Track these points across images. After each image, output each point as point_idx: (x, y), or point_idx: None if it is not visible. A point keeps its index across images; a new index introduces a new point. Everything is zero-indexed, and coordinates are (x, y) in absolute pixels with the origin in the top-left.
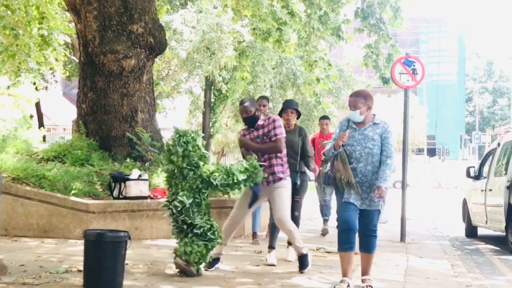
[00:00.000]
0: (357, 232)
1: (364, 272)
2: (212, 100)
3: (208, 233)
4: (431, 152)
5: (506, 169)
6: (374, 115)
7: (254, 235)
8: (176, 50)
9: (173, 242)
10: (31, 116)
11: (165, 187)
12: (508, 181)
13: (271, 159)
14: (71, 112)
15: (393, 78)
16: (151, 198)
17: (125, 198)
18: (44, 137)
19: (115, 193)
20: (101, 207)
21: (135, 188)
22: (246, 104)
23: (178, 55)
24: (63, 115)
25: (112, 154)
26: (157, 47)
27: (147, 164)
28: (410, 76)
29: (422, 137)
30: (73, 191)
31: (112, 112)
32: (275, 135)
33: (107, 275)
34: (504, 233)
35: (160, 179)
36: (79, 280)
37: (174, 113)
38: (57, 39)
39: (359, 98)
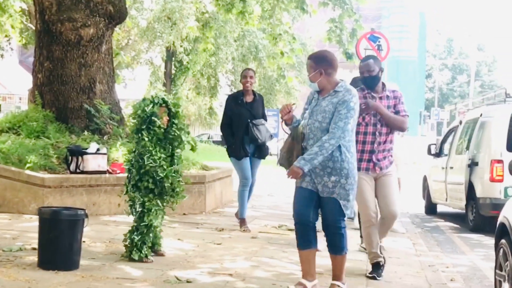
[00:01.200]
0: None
1: (334, 276)
2: (173, 71)
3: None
4: None
5: (467, 147)
6: (341, 80)
7: (243, 221)
8: (136, 19)
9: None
10: None
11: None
12: (469, 159)
13: (390, 139)
14: (27, 81)
15: (358, 54)
16: (109, 172)
17: (83, 172)
18: None
19: (72, 167)
20: (57, 181)
21: (93, 162)
22: (370, 61)
23: (138, 24)
24: (19, 84)
25: (69, 126)
26: (117, 16)
27: (105, 137)
28: (375, 52)
29: None
30: (28, 165)
31: (70, 83)
32: (404, 110)
33: (63, 254)
34: (464, 211)
35: (119, 153)
36: (33, 258)
37: (134, 84)
38: (13, 5)
39: (310, 61)
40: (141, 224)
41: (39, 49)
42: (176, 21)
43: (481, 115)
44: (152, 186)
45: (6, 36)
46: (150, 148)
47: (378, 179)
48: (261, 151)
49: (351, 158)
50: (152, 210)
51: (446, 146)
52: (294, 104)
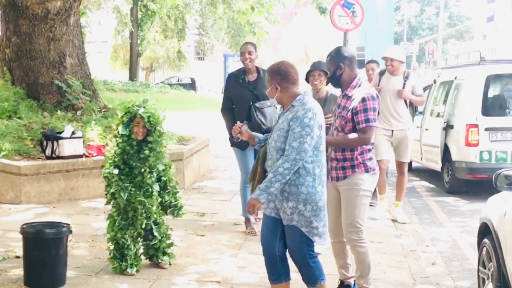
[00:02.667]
0: None
1: None
2: (139, 16)
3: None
4: (361, 64)
5: (443, 110)
6: (303, 93)
7: (248, 221)
8: None
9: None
10: None
11: (100, 143)
12: (444, 122)
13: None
14: None
15: (332, 21)
16: (86, 156)
17: (59, 157)
18: None
19: (48, 152)
20: (33, 168)
21: (68, 147)
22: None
23: None
24: None
25: (41, 103)
26: None
27: (78, 112)
28: (350, 18)
29: (353, 49)
30: (2, 153)
31: (39, 58)
32: (365, 121)
33: (48, 271)
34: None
35: (94, 132)
36: (18, 272)
37: (100, 29)
38: None
39: (266, 75)
40: (115, 237)
41: (6, 24)
42: None
43: (455, 78)
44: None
45: None
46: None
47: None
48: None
49: (313, 181)
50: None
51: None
52: (244, 123)
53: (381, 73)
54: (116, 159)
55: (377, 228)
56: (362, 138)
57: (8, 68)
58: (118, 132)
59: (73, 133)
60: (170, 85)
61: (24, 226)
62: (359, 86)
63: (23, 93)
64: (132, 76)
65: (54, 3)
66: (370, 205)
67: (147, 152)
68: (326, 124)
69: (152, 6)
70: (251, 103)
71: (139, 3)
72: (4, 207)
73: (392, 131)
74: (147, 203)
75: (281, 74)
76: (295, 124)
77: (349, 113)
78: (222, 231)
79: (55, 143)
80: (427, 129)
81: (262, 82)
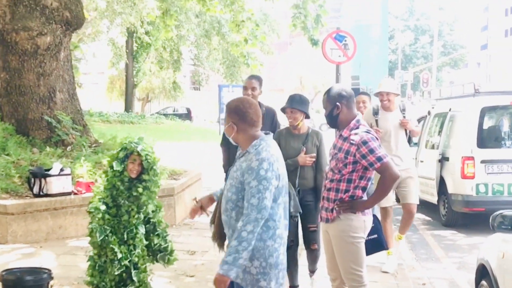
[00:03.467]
0: None
1: None
2: (135, 48)
3: None
4: (355, 92)
5: (438, 142)
6: (265, 135)
7: None
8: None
9: None
10: None
11: (89, 180)
12: (440, 154)
13: (342, 187)
14: None
15: (324, 54)
16: (74, 193)
17: (47, 195)
18: None
19: (35, 190)
20: (20, 207)
21: (56, 184)
22: (323, 98)
23: (97, 5)
24: None
25: (30, 139)
26: (74, 21)
27: (69, 148)
28: (342, 51)
29: (347, 78)
30: None
31: (28, 93)
32: (377, 160)
33: None
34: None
35: (83, 169)
36: None
37: (95, 60)
38: None
39: (225, 110)
40: (93, 282)
41: None
42: (135, 1)
43: (450, 109)
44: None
45: None
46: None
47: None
48: None
49: (263, 233)
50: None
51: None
52: (194, 199)
53: (375, 112)
54: (104, 195)
55: (373, 264)
56: (386, 177)
57: None
58: (111, 167)
59: (61, 170)
60: (166, 115)
61: (3, 273)
62: (357, 128)
63: (12, 129)
64: (128, 107)
65: (44, 39)
66: None
67: (140, 190)
68: (308, 162)
69: (146, 39)
70: None
71: (134, 35)
72: None
73: None
74: (122, 249)
75: (239, 114)
76: (250, 177)
77: (348, 156)
78: (212, 271)
79: (42, 180)
80: (422, 161)
81: (265, 119)
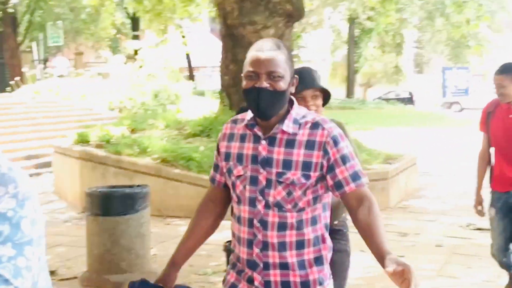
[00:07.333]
0: None
1: None
2: (356, 34)
3: None
4: None
5: None
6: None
7: None
8: None
9: None
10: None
11: None
12: None
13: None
14: (219, 50)
15: None
16: None
17: None
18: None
19: None
20: None
21: None
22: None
23: None
24: (210, 56)
25: None
26: (295, 13)
27: None
28: None
29: None
30: None
31: None
32: (357, 175)
33: None
34: None
35: None
36: None
37: (317, 48)
38: None
39: None
40: None
41: (225, 52)
42: None
43: None
44: None
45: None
46: None
47: None
48: None
49: None
50: None
51: None
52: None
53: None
54: None
55: None
56: None
57: (226, 94)
58: None
59: None
60: (387, 100)
61: (227, 244)
62: None
63: None
64: (349, 92)
65: (268, 31)
66: None
67: None
68: None
69: (368, 24)
70: None
71: (355, 21)
72: (223, 224)
73: None
74: None
75: None
76: None
77: None
78: (421, 252)
79: None
80: None
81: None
